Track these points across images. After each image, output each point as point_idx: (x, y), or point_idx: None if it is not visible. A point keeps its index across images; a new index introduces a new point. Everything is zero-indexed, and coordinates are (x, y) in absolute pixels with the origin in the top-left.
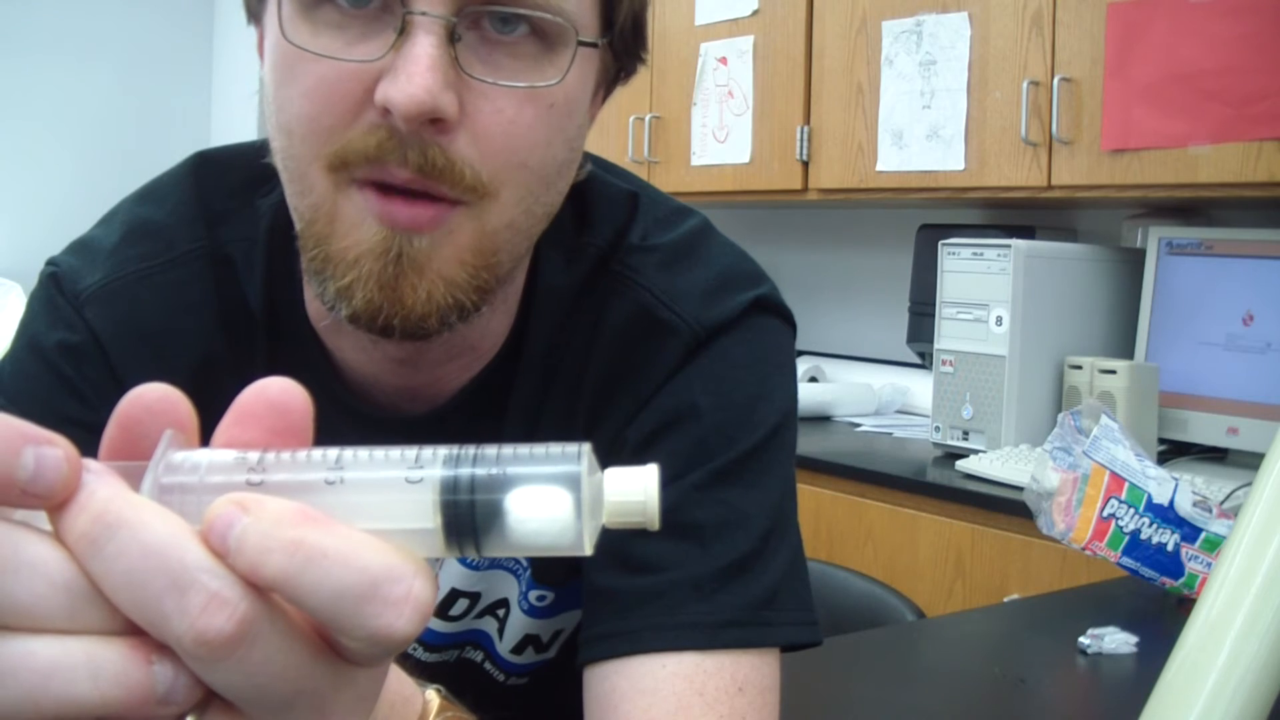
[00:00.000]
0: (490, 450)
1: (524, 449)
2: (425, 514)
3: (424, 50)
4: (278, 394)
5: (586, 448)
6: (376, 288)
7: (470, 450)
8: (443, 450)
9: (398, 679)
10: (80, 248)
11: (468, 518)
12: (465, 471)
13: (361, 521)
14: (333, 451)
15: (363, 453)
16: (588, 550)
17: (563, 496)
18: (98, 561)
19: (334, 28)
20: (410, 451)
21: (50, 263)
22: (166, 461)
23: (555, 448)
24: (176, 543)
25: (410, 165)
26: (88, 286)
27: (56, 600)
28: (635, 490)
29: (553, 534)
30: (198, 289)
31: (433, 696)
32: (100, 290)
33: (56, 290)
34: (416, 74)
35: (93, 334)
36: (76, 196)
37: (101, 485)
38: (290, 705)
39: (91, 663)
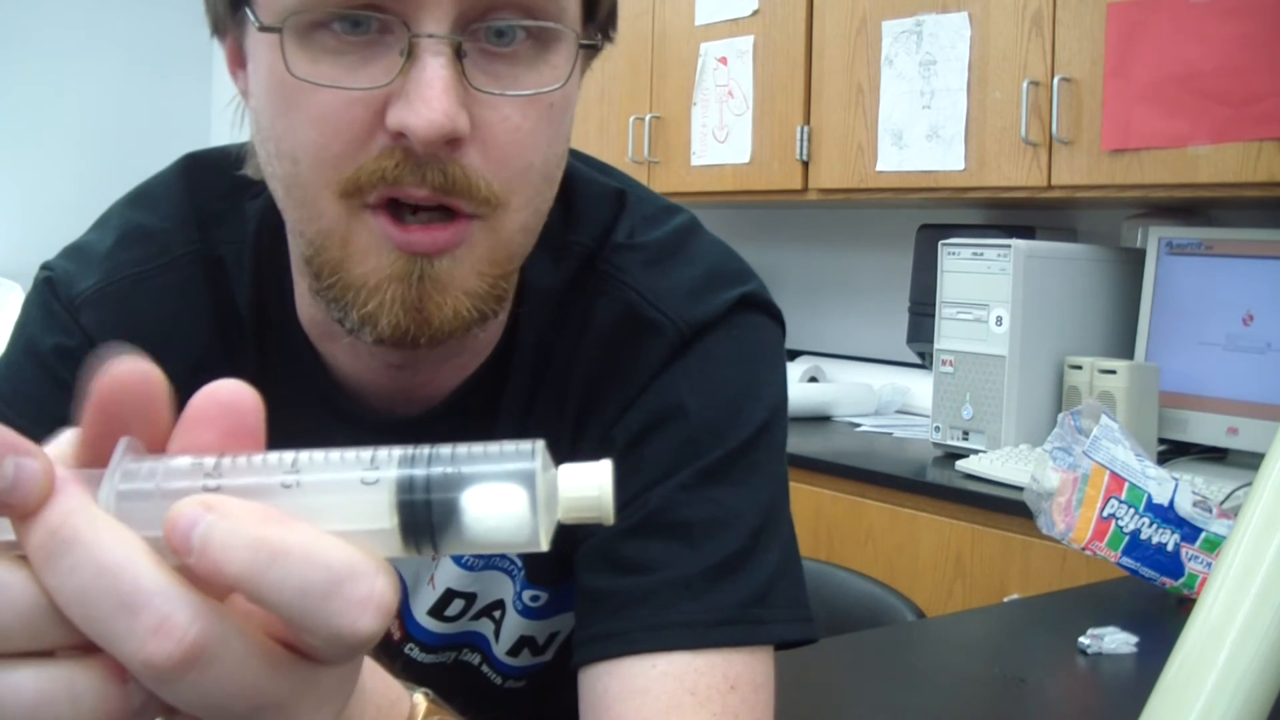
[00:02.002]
0: (445, 450)
1: (479, 447)
2: (382, 514)
3: (436, 73)
4: (228, 395)
5: (540, 445)
6: (402, 310)
7: (425, 450)
8: (398, 451)
9: (384, 682)
10: (74, 252)
11: (424, 517)
12: (420, 471)
13: (319, 523)
14: (289, 454)
15: (319, 455)
16: (544, 546)
17: (518, 494)
18: (52, 576)
19: (333, 54)
20: (366, 453)
21: (45, 267)
22: (123, 469)
23: (510, 445)
24: (131, 563)
25: (429, 184)
26: (83, 291)
27: (20, 622)
28: (590, 486)
29: (509, 531)
30: (192, 292)
31: (420, 700)
32: (95, 294)
33: (51, 295)
34: (433, 98)
35: (89, 338)
36: (76, 197)
37: (64, 498)
38: (248, 718)
39: (72, 690)
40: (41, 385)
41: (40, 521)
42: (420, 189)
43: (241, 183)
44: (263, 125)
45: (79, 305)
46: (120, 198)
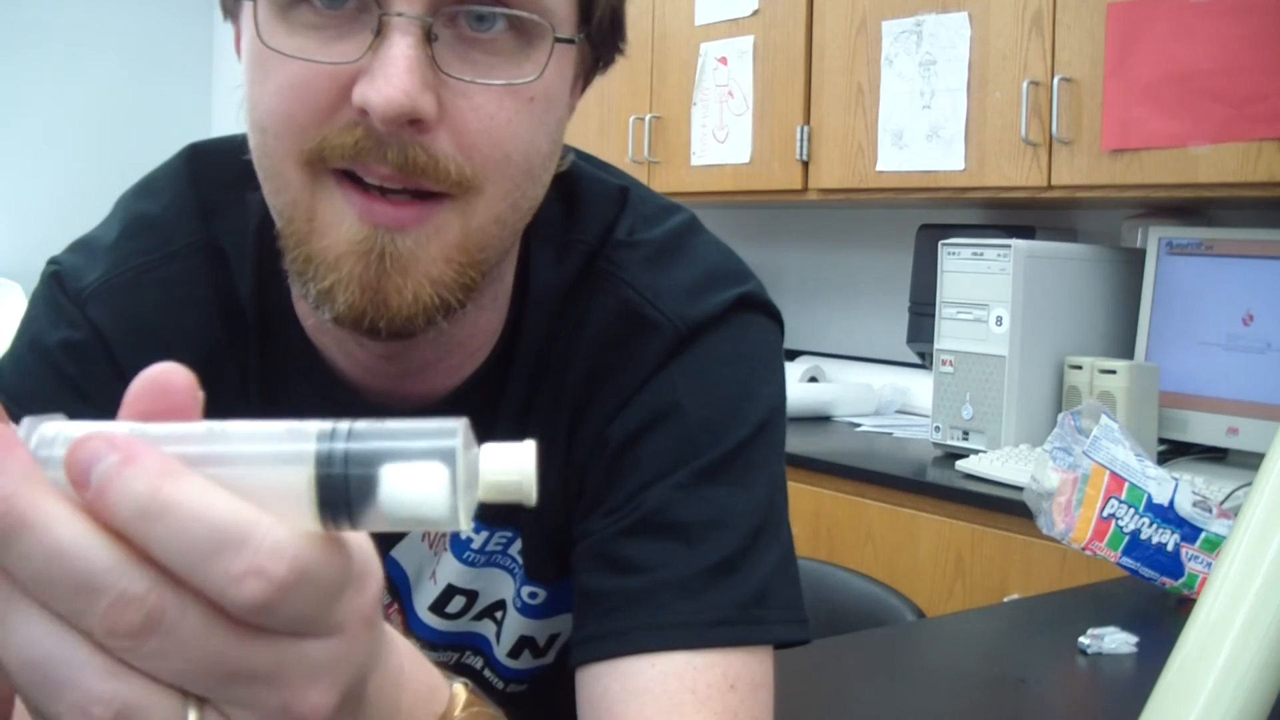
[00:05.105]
0: (363, 425)
1: (401, 424)
2: (299, 490)
3: (401, 51)
4: (158, 374)
5: (463, 423)
6: (359, 290)
7: (345, 425)
8: (315, 425)
9: (423, 668)
10: (81, 246)
11: (341, 491)
12: (340, 446)
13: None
14: (205, 425)
15: (237, 426)
16: (463, 526)
17: (438, 471)
18: (6, 559)
19: (310, 28)
20: (287, 425)
21: (52, 262)
22: (40, 435)
23: (433, 423)
24: (80, 545)
25: (390, 163)
26: (89, 284)
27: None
28: (511, 469)
29: (428, 508)
30: (197, 283)
31: (460, 690)
32: (102, 287)
33: (59, 289)
34: (394, 76)
35: (96, 331)
36: (77, 196)
37: (3, 476)
38: (227, 684)
39: None
40: (47, 381)
41: None
42: (382, 166)
43: (244, 173)
44: (245, 97)
45: (86, 298)
46: (127, 189)
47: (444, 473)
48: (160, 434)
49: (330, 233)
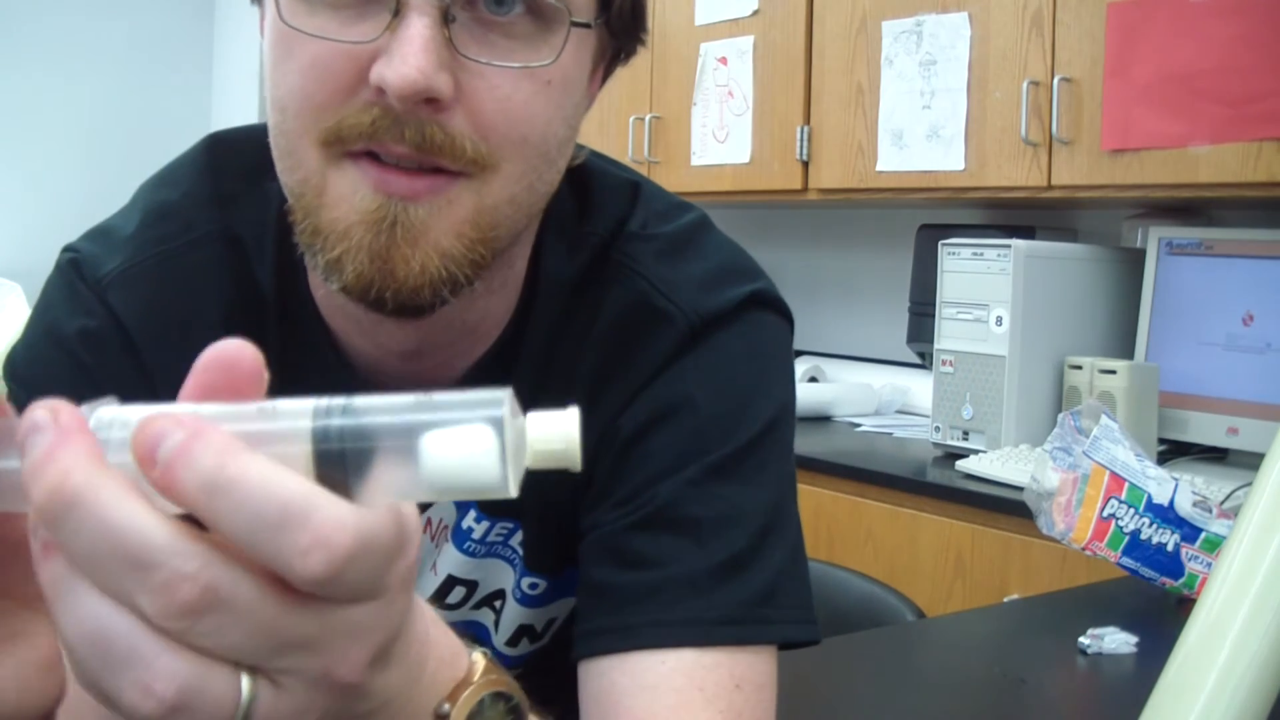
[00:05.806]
0: (407, 398)
1: (451, 395)
2: (302, 464)
3: (418, 31)
4: (227, 350)
5: (508, 392)
6: (367, 259)
7: (341, 401)
8: (378, 399)
9: (445, 635)
10: (99, 234)
11: (338, 464)
12: (336, 422)
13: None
14: (268, 402)
15: (293, 400)
16: (512, 492)
17: (487, 436)
18: (59, 534)
19: (330, 8)
20: (338, 401)
21: (68, 249)
22: (96, 418)
23: (481, 393)
24: (134, 521)
25: (407, 141)
26: (110, 271)
27: None
28: (557, 436)
29: (476, 473)
30: (216, 271)
31: (480, 658)
32: (122, 274)
33: (77, 276)
34: (410, 55)
35: (115, 319)
36: (77, 197)
37: (63, 452)
38: (278, 654)
39: None
40: (63, 369)
41: (40, 480)
42: (399, 145)
43: (263, 162)
44: (267, 77)
45: (106, 285)
46: (146, 179)
47: (492, 438)
48: (213, 414)
49: (341, 205)
